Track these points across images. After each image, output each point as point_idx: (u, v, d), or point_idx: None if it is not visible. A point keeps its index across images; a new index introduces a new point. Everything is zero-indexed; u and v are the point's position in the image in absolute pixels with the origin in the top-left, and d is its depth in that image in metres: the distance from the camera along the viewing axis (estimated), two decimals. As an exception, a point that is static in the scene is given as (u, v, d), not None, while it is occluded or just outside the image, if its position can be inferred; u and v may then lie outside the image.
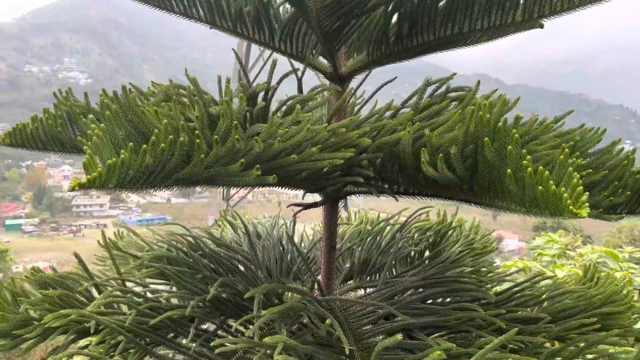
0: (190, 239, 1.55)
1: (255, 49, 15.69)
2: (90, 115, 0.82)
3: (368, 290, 1.56)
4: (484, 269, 1.63)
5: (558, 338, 1.27)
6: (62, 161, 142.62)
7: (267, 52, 11.49)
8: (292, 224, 1.79)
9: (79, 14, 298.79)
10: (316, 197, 1.37)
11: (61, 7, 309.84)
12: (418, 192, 1.14)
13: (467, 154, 0.84)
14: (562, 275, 3.76)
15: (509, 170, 0.72)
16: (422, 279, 1.33)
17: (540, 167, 0.69)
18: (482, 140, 0.78)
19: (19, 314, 1.20)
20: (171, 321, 1.22)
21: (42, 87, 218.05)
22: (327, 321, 1.04)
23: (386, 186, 1.12)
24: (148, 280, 1.49)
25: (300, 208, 1.34)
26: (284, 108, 1.12)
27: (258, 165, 0.75)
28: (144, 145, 0.68)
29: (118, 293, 1.23)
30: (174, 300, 1.41)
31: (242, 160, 0.74)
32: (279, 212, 2.00)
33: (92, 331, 1.15)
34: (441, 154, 0.81)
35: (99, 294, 1.38)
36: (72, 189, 0.64)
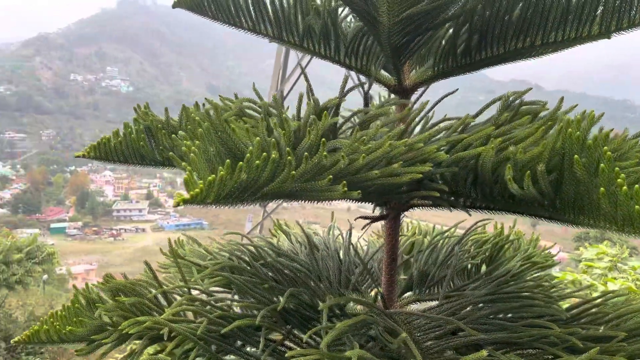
0: (251, 248, 1.58)
1: (292, 57, 15.84)
2: (181, 132, 0.85)
3: (430, 303, 1.56)
4: (546, 283, 1.59)
5: (632, 357, 1.23)
6: (104, 167, 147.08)
7: (305, 59, 11.62)
8: (347, 234, 1.80)
9: (121, 24, 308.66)
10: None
11: (105, 17, 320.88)
12: (490, 206, 1.13)
13: (551, 170, 0.83)
14: (615, 289, 3.64)
15: (602, 188, 0.71)
16: (488, 293, 1.31)
17: (637, 186, 0.68)
18: (569, 157, 0.77)
19: (95, 319, 1.25)
20: (239, 329, 1.25)
21: (86, 94, 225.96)
22: (403, 334, 1.04)
23: (458, 200, 1.12)
24: (209, 288, 1.52)
25: (367, 221, 1.35)
26: (354, 120, 1.14)
27: (344, 182, 0.76)
28: (240, 163, 0.70)
29: (189, 301, 1.26)
30: (237, 309, 1.44)
31: (330, 176, 0.75)
32: (333, 222, 2.02)
33: (165, 338, 1.19)
34: (528, 171, 0.80)
35: (166, 301, 1.42)
36: (177, 205, 0.66)
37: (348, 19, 1.45)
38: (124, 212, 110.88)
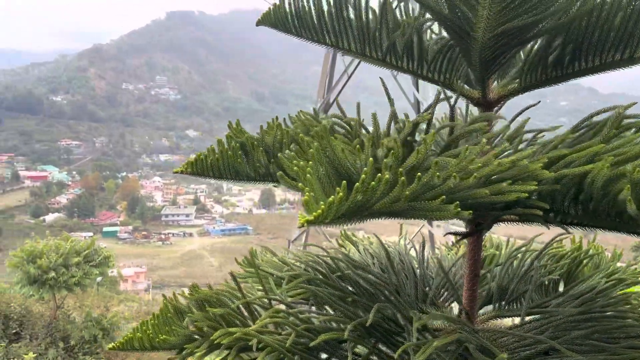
0: (327, 260, 1.60)
1: (338, 63, 15.90)
2: (289, 152, 0.87)
3: (505, 320, 1.52)
4: (634, 301, 1.53)
5: None
6: (153, 173, 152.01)
7: (352, 66, 11.59)
8: (421, 247, 1.79)
9: (170, 34, 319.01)
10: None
11: (154, 29, 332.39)
12: (585, 222, 1.10)
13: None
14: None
15: None
16: (581, 312, 1.27)
17: None
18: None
19: (185, 328, 1.30)
20: (325, 342, 1.26)
21: (137, 103, 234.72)
22: (503, 355, 1.02)
23: (553, 216, 1.09)
24: (287, 299, 1.54)
25: (458, 237, 1.34)
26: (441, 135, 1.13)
27: (457, 202, 0.76)
28: (356, 184, 0.71)
29: (278, 313, 1.29)
30: (315, 321, 1.45)
31: (443, 196, 0.75)
32: (404, 234, 2.00)
33: (254, 349, 1.21)
34: (651, 192, 0.78)
35: (247, 312, 1.46)
36: (302, 225, 0.68)
37: (427, 31, 1.44)
38: (172, 217, 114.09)
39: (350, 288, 1.50)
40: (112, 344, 1.34)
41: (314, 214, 0.66)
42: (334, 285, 1.39)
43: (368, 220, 0.94)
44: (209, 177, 1.19)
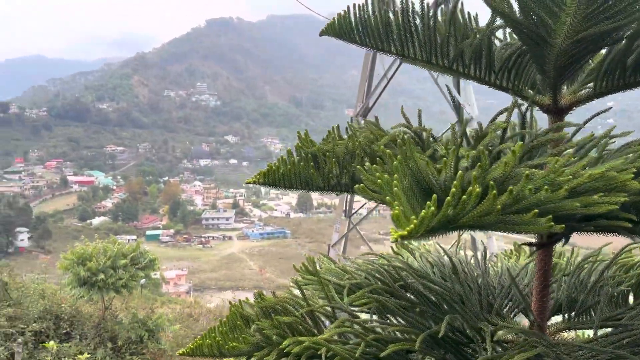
0: (390, 268, 1.59)
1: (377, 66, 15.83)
2: (369, 164, 0.87)
3: (579, 332, 1.47)
4: None
5: None
6: (194, 177, 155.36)
7: (392, 70, 11.46)
8: (483, 256, 1.75)
9: (210, 42, 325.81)
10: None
11: (194, 36, 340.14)
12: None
13: None
14: None
15: None
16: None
17: None
18: None
19: (254, 336, 1.31)
20: (393, 352, 1.25)
21: (178, 109, 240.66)
22: (588, 372, 0.99)
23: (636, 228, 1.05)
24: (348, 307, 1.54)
25: (533, 248, 1.31)
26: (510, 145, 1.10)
27: (549, 216, 0.74)
28: (447, 198, 0.71)
29: (347, 323, 1.29)
30: (379, 330, 1.45)
31: (536, 210, 0.74)
32: (458, 240, 1.97)
33: (323, 358, 1.22)
34: None
35: (311, 320, 1.46)
36: (395, 240, 0.68)
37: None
38: (212, 221, 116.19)
39: (414, 297, 1.48)
40: (182, 349, 1.37)
41: (407, 229, 0.66)
42: (400, 295, 1.38)
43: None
44: (278, 187, 1.21)
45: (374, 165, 0.86)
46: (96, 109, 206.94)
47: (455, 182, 0.72)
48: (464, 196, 0.71)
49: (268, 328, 1.31)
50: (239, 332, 1.33)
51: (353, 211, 15.82)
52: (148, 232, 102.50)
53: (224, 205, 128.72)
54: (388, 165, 0.83)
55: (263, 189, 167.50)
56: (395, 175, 0.76)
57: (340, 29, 1.38)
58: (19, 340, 6.86)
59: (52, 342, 6.26)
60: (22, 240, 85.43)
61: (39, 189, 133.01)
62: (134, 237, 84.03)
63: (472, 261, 1.91)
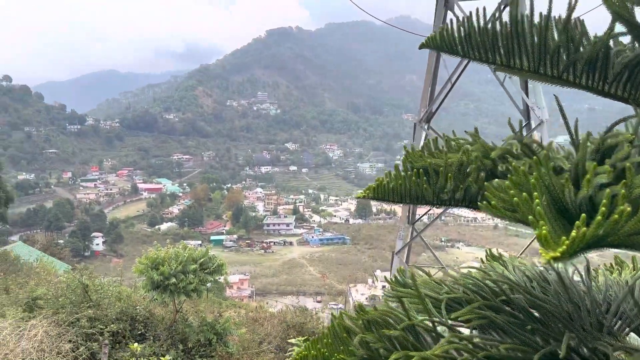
0: (490, 283, 1.55)
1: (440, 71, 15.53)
2: (498, 181, 0.86)
3: None
4: None
5: None
6: (256, 184, 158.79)
7: (456, 74, 11.18)
8: (586, 270, 1.68)
9: (270, 52, 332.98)
10: None
11: (255, 47, 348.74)
12: None
13: None
14: None
15: None
16: None
17: None
18: None
19: (359, 349, 1.32)
20: (504, 371, 1.22)
21: (240, 118, 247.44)
22: None
23: None
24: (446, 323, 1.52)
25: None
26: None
27: None
28: (598, 218, 0.68)
29: (455, 339, 1.27)
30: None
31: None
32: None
33: (432, 374, 1.20)
34: None
35: (411, 334, 1.45)
36: (547, 262, 0.67)
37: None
38: (273, 226, 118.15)
39: (517, 313, 1.44)
40: None
41: (560, 250, 0.65)
42: (506, 311, 1.34)
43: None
44: (387, 202, 1.21)
45: (506, 182, 0.85)
46: (163, 120, 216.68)
47: (604, 201, 0.70)
48: (615, 215, 0.68)
49: (374, 341, 1.31)
50: (343, 344, 1.34)
51: (418, 218, 15.58)
52: (212, 237, 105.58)
53: (284, 211, 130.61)
54: (517, 180, 0.81)
55: (322, 195, 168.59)
56: (535, 193, 0.74)
57: (442, 42, 1.38)
58: (106, 342, 7.26)
59: (135, 344, 6.58)
60: (97, 244, 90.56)
61: (112, 196, 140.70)
62: (199, 242, 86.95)
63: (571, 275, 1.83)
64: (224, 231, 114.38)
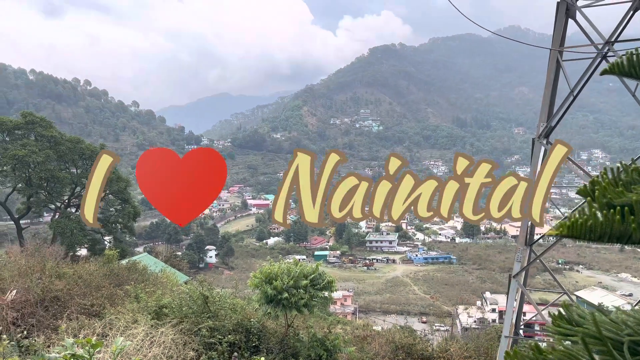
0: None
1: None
2: None
3: None
4: None
5: None
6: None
7: (578, 87, 10.40)
8: None
9: (372, 69, 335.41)
10: None
11: (358, 65, 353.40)
12: None
13: None
14: None
15: None
16: None
17: None
18: None
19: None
20: None
21: (343, 135, 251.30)
22: None
23: None
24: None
25: None
26: None
27: None
28: None
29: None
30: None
31: None
32: None
33: None
34: None
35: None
36: None
37: None
38: (375, 244, 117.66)
39: None
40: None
41: None
42: None
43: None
44: (584, 240, 1.13)
45: None
46: (271, 139, 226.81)
47: None
48: None
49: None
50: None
51: (536, 239, 14.63)
52: (316, 253, 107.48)
53: (387, 229, 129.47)
54: None
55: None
56: None
57: (630, 67, 1.28)
58: (235, 353, 7.65)
59: (262, 358, 6.85)
60: (210, 256, 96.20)
61: (224, 211, 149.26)
62: (304, 257, 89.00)
63: None
64: (327, 247, 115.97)
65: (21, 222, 31.52)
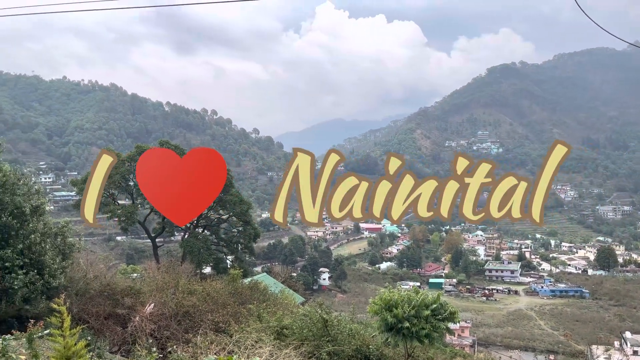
0: None
1: None
2: None
3: None
4: None
5: None
6: (475, 227, 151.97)
7: None
8: None
9: (490, 89, 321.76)
10: None
11: (475, 86, 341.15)
12: None
13: None
14: None
15: None
16: None
17: None
18: None
19: None
20: None
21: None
22: None
23: None
24: None
25: None
26: None
27: None
28: None
29: None
30: None
31: None
32: None
33: None
34: None
35: None
36: None
37: None
38: (495, 272, 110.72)
39: None
40: None
41: None
42: None
43: None
44: None
45: None
46: (383, 162, 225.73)
47: None
48: None
49: None
50: None
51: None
52: (431, 280, 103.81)
53: (508, 257, 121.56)
54: None
55: (553, 241, 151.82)
56: None
57: None
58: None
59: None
60: (323, 279, 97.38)
61: (337, 234, 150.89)
62: (418, 283, 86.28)
63: None
64: (442, 274, 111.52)
65: (156, 240, 34.46)
